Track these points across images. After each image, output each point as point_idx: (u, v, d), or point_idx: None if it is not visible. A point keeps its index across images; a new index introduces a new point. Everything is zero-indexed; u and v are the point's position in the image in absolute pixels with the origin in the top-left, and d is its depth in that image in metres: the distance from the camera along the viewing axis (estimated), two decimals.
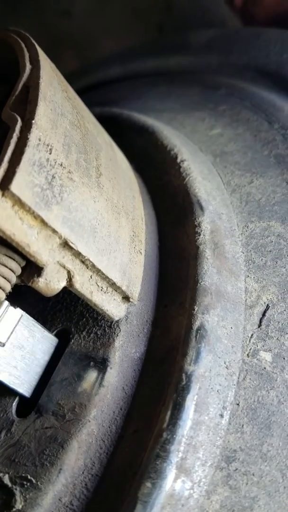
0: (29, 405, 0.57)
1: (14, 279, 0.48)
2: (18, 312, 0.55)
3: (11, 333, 0.54)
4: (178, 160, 0.69)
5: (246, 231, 0.62)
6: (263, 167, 0.69)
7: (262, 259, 0.59)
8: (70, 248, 0.48)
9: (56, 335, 0.61)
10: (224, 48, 0.94)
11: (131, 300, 0.55)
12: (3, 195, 0.41)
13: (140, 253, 0.59)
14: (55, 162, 0.47)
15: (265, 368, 0.51)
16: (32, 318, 0.58)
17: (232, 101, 0.83)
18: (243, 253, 0.60)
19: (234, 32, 0.98)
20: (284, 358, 0.52)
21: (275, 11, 1.40)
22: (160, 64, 1.04)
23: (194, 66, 0.97)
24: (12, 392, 0.57)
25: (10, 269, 0.47)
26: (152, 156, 0.75)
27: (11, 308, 0.54)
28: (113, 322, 0.57)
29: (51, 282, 0.48)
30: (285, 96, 0.78)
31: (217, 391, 0.49)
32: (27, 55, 0.56)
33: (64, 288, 0.66)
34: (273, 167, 0.69)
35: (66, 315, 0.62)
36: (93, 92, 1.13)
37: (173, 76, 0.98)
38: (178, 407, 0.47)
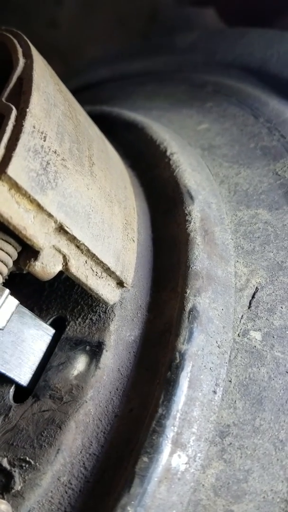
0: (27, 393, 0.58)
1: (10, 263, 0.49)
2: (15, 301, 0.56)
3: (8, 320, 0.55)
4: (168, 153, 0.71)
5: (235, 219, 0.64)
6: (250, 158, 0.71)
7: (250, 245, 0.61)
8: (66, 232, 0.49)
9: (51, 324, 0.62)
10: (209, 47, 0.96)
11: (125, 285, 0.57)
12: (0, 179, 0.43)
13: (133, 240, 0.61)
14: (49, 149, 0.49)
15: (255, 346, 0.53)
16: (27, 309, 0.59)
17: (219, 98, 0.85)
18: (232, 239, 0.62)
19: (218, 32, 1.01)
20: (273, 337, 0.53)
21: None
22: (148, 65, 1.06)
23: (180, 66, 0.99)
24: (9, 380, 0.58)
25: (6, 252, 0.48)
26: (142, 150, 0.77)
27: (11, 296, 0.55)
28: (108, 308, 0.58)
29: (47, 266, 0.49)
30: (270, 91, 0.81)
31: (210, 368, 0.50)
32: (20, 50, 0.58)
33: (59, 278, 0.68)
34: (260, 159, 0.71)
35: (61, 304, 0.63)
36: (82, 93, 1.15)
37: (161, 76, 1.01)
38: (172, 384, 0.48)
